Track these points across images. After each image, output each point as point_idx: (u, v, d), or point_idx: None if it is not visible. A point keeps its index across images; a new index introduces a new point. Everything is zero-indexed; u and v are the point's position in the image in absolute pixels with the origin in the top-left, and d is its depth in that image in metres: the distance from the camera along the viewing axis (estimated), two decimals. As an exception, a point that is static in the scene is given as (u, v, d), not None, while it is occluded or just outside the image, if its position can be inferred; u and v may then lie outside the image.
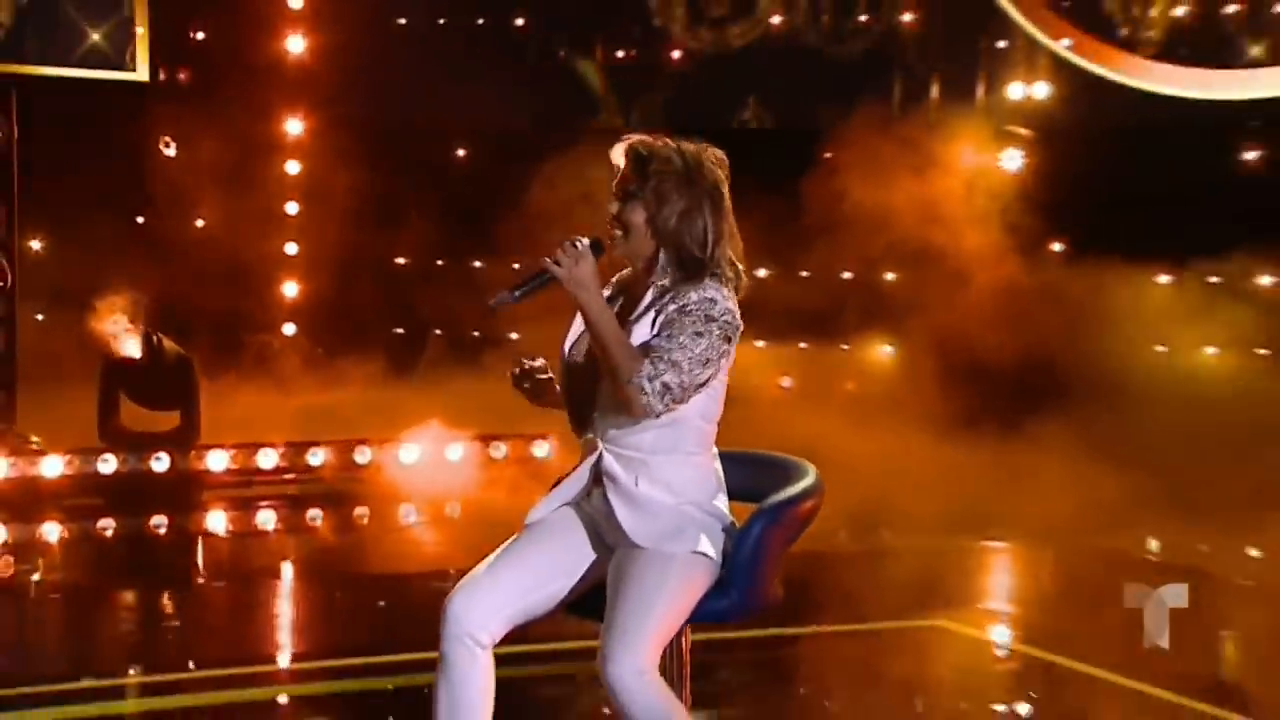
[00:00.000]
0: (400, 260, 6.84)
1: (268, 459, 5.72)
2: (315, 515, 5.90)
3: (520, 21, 6.94)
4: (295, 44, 6.26)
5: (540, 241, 6.78)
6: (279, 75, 6.35)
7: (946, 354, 6.73)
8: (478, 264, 7.12)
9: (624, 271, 2.43)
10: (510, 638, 2.44)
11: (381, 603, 4.63)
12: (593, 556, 2.45)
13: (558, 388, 2.39)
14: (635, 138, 2.32)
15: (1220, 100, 6.86)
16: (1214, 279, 7.11)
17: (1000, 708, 3.91)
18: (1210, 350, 7.17)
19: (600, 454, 2.38)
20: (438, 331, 7.10)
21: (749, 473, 2.52)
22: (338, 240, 6.51)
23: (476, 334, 7.03)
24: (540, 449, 6.23)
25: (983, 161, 6.94)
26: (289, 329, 6.59)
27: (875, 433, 6.51)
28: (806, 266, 7.11)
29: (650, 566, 2.32)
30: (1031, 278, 6.93)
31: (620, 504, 2.36)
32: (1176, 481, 5.89)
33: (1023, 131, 7.00)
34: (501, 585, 2.38)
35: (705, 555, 2.35)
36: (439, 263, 7.03)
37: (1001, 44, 7.06)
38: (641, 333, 2.24)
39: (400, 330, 7.01)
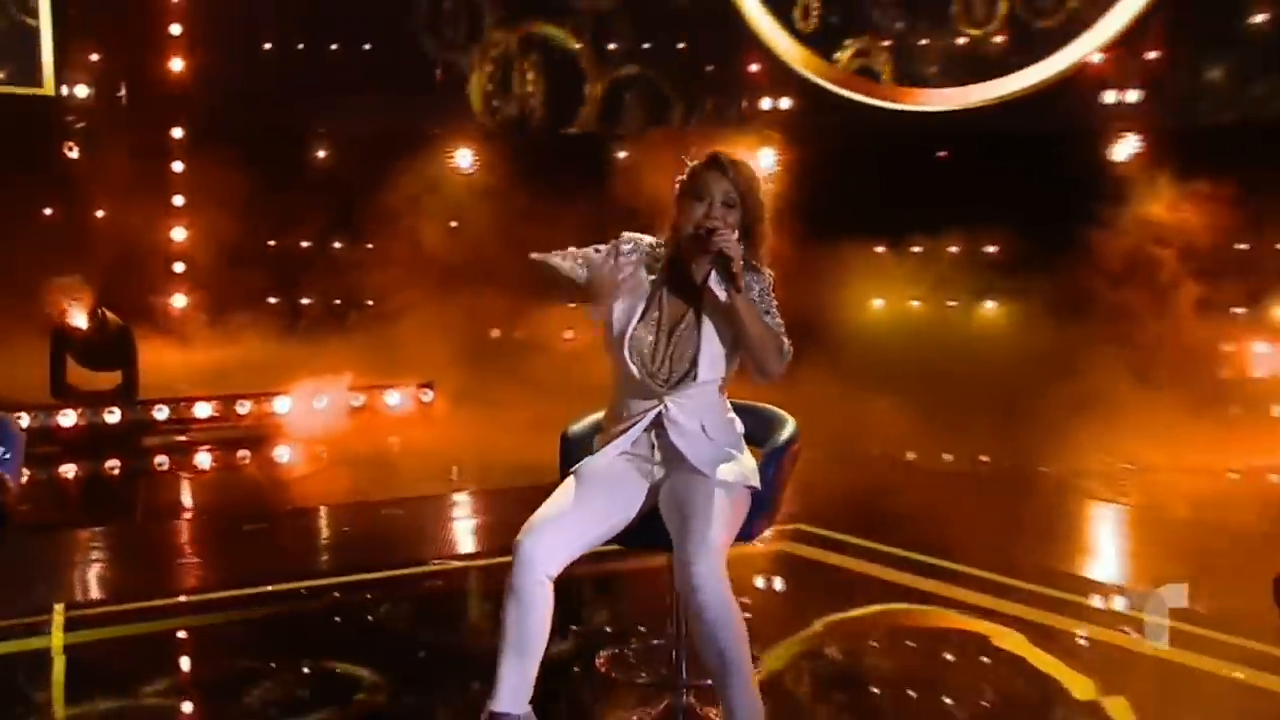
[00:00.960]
0: (271, 242, 7.48)
1: (203, 409, 6.20)
2: (244, 455, 6.24)
3: (367, 46, 7.67)
4: (177, 64, 6.89)
5: (393, 227, 7.62)
6: (164, 90, 6.95)
7: None
8: (337, 245, 7.85)
9: (630, 241, 2.71)
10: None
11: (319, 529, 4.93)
12: (642, 496, 2.66)
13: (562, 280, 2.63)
14: (727, 154, 2.62)
15: (922, 113, 7.90)
16: (916, 249, 7.97)
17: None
18: (914, 303, 8.20)
19: (659, 407, 2.62)
20: (306, 300, 7.75)
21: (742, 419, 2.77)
22: (216, 227, 7.11)
23: (338, 302, 7.81)
24: (426, 396, 6.76)
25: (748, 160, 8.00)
26: (179, 300, 7.16)
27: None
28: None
29: (714, 492, 2.57)
30: (788, 252, 8.02)
31: (685, 443, 2.60)
32: (907, 401, 6.64)
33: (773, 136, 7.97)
34: (565, 527, 2.56)
35: (752, 487, 2.67)
36: (304, 244, 7.72)
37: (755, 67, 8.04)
38: (721, 294, 2.58)
39: (273, 300, 7.62)
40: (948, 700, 3.31)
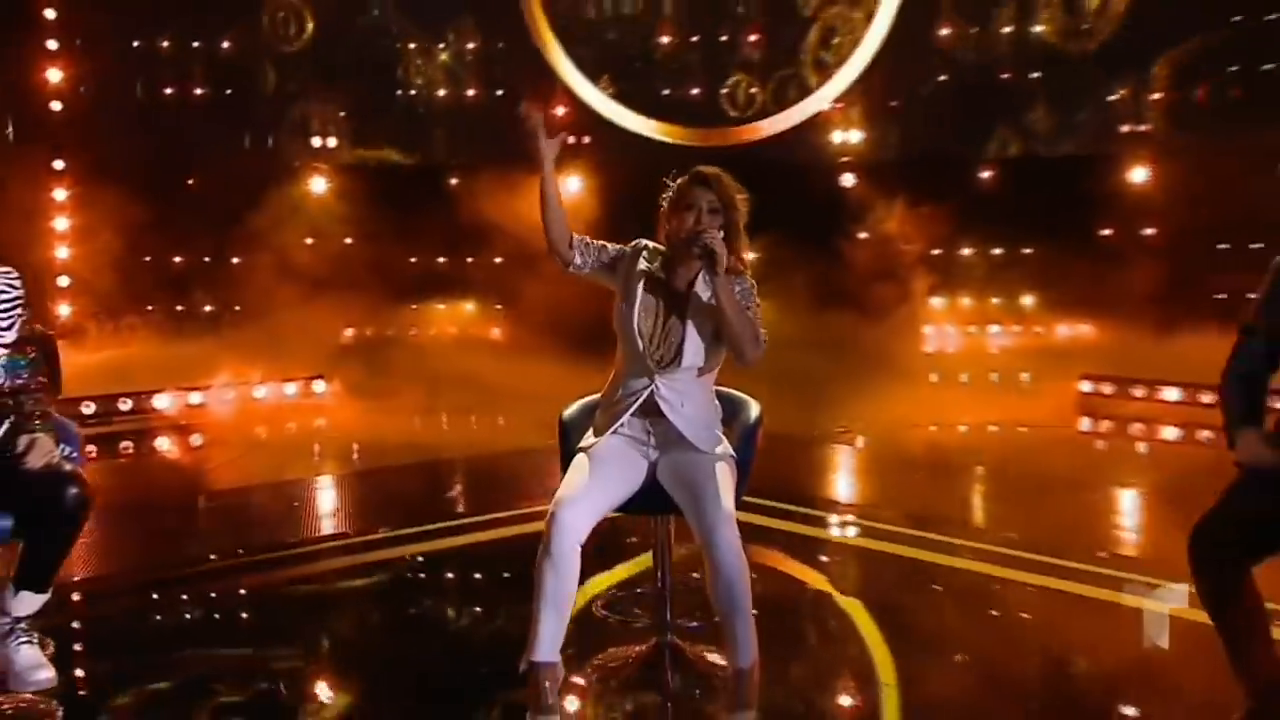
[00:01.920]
0: (146, 258, 7.97)
1: (125, 404, 6.59)
2: (163, 444, 6.49)
3: (229, 91, 8.34)
4: (56, 105, 7.41)
5: (252, 244, 8.30)
6: (47, 127, 7.41)
7: (537, 311, 8.14)
8: (206, 259, 8.37)
9: (649, 245, 2.86)
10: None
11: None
12: (643, 473, 2.82)
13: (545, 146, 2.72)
14: (712, 169, 2.78)
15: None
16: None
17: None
18: None
19: (651, 389, 2.77)
20: (180, 308, 8.20)
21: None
22: (97, 246, 7.56)
23: (209, 308, 8.35)
24: (319, 387, 7.29)
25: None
26: (64, 310, 7.60)
27: (510, 364, 7.86)
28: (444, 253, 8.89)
29: (715, 465, 2.76)
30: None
31: (681, 422, 2.78)
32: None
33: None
34: (589, 499, 2.71)
35: (733, 457, 2.83)
36: (176, 259, 8.22)
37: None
38: (705, 295, 2.75)
39: (150, 307, 8.08)
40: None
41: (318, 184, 8.57)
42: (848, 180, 8.39)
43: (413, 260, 8.69)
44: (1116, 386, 7.20)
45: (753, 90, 8.54)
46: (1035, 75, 8.24)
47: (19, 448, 2.71)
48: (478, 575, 4.30)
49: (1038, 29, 8.18)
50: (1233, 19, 7.68)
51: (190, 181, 8.31)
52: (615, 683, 3.15)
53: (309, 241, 8.36)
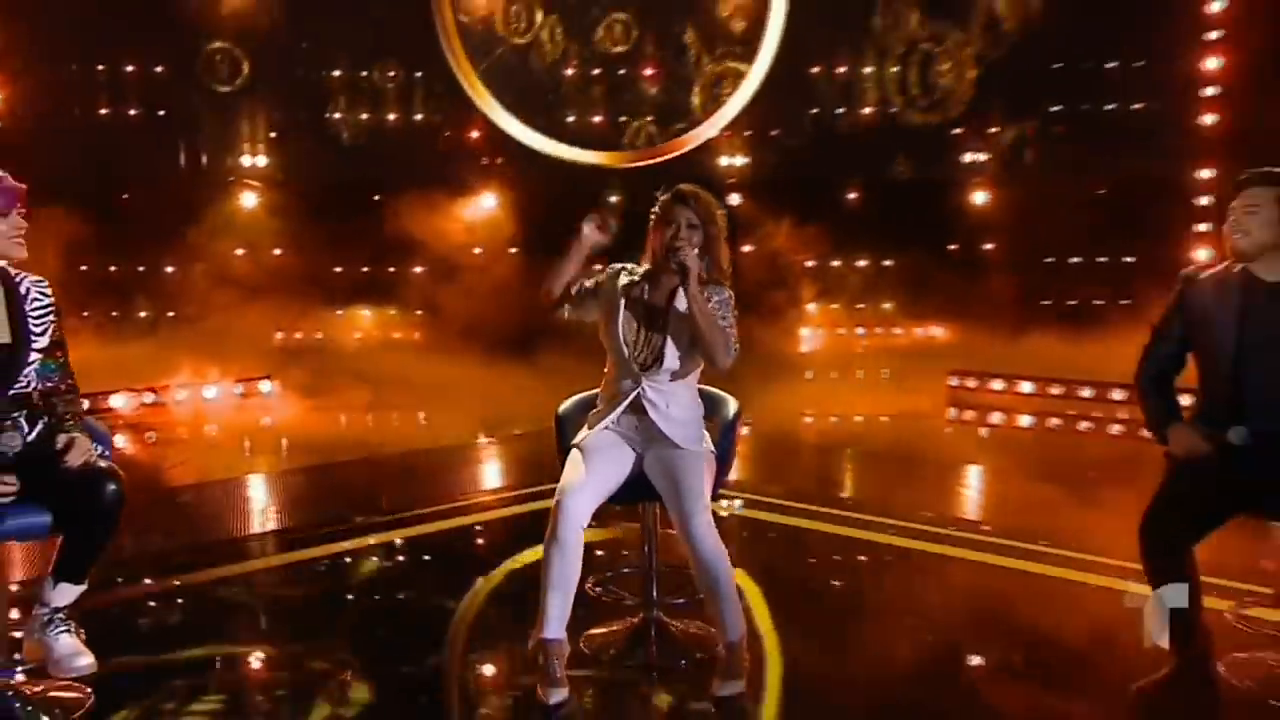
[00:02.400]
0: (84, 267, 8.20)
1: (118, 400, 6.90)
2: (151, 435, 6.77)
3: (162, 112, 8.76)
4: None
5: (186, 255, 8.71)
6: None
7: (457, 314, 8.60)
8: (112, 268, 8.67)
9: (627, 266, 3.02)
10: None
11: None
12: (630, 465, 2.94)
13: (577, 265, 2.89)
14: (690, 187, 2.90)
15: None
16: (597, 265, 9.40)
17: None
18: None
19: (638, 391, 2.90)
20: (85, 314, 8.23)
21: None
22: (30, 259, 7.81)
23: (144, 314, 8.64)
24: (265, 386, 7.56)
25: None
26: None
27: (432, 364, 8.13)
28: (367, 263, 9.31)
29: (692, 459, 2.87)
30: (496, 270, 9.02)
31: (663, 422, 2.89)
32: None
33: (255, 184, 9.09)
34: (589, 489, 2.83)
35: (713, 452, 2.95)
36: (83, 268, 8.27)
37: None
38: (681, 307, 2.85)
39: (86, 314, 8.25)
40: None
41: (248, 199, 8.99)
42: (734, 199, 9.11)
43: (338, 270, 9.16)
44: (979, 380, 7.91)
45: (649, 120, 9.32)
46: (893, 110, 9.22)
47: (58, 446, 2.76)
48: (461, 556, 4.50)
49: (893, 70, 9.15)
50: (1054, 65, 8.90)
51: (125, 197, 8.61)
52: (609, 655, 3.26)
53: (240, 252, 8.83)
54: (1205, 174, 8.31)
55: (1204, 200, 8.32)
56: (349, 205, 8.93)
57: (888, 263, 9.45)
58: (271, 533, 4.73)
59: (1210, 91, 8.35)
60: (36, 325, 2.81)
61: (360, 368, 8.02)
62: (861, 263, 9.57)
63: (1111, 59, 9.00)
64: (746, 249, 9.17)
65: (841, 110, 9.35)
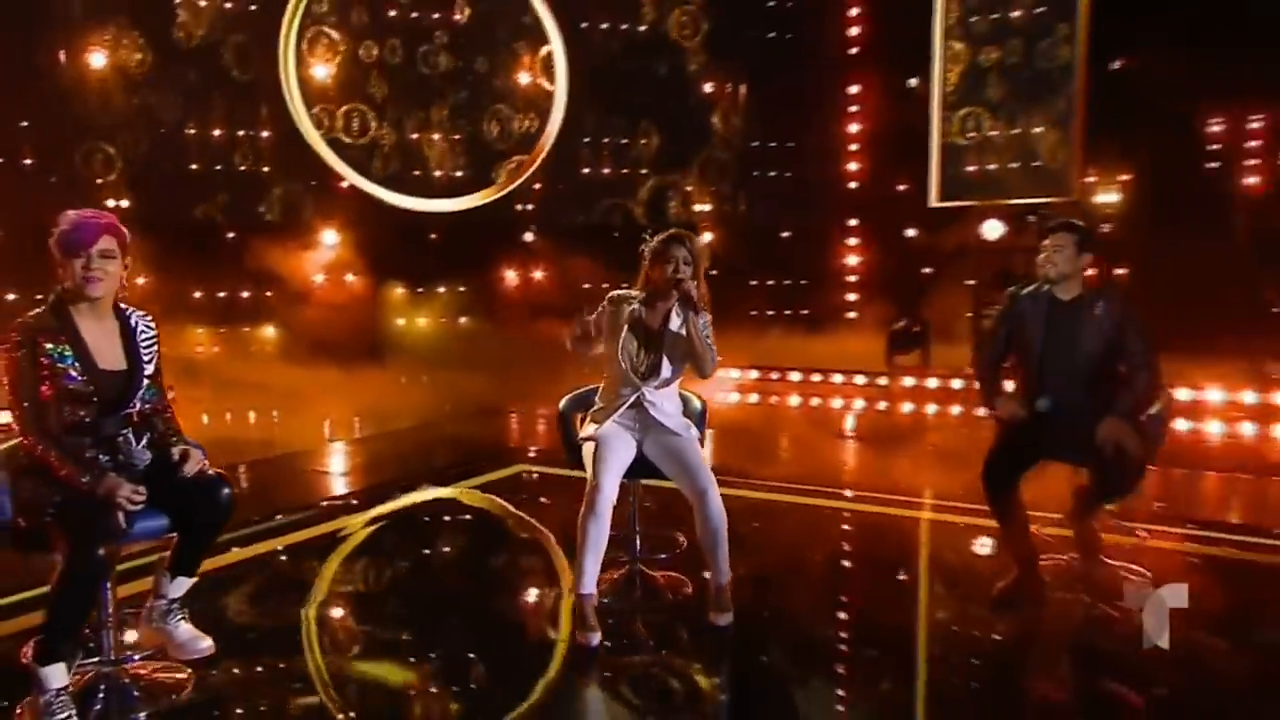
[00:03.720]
0: None
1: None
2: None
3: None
4: None
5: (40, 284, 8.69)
6: None
7: (304, 330, 9.15)
8: (38, 296, 8.76)
9: (628, 292, 3.24)
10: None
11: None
12: (634, 448, 3.20)
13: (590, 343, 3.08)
14: (684, 231, 3.18)
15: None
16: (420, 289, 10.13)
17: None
18: (421, 321, 10.24)
19: (641, 393, 3.16)
20: None
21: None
22: None
23: None
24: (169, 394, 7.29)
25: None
26: None
27: (284, 373, 8.33)
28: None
29: (689, 444, 3.19)
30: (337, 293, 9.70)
31: (661, 416, 3.18)
32: (457, 377, 8.15)
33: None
34: (615, 471, 3.09)
35: (699, 437, 3.27)
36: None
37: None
38: (675, 326, 3.14)
39: None
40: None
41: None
42: (528, 236, 10.58)
43: (197, 295, 9.73)
44: (761, 372, 8.78)
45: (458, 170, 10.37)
46: (644, 172, 10.80)
47: (175, 458, 2.81)
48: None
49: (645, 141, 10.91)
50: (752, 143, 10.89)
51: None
52: (605, 599, 3.38)
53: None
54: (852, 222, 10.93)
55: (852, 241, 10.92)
56: (207, 239, 9.43)
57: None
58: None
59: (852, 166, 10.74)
60: (145, 354, 2.86)
61: (222, 377, 8.23)
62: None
63: (787, 139, 11.09)
64: (539, 275, 10.69)
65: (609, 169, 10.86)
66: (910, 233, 10.37)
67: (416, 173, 10.30)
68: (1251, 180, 8.63)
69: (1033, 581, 3.59)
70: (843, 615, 3.67)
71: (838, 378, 8.56)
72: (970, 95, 9.59)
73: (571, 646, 3.15)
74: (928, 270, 10.14)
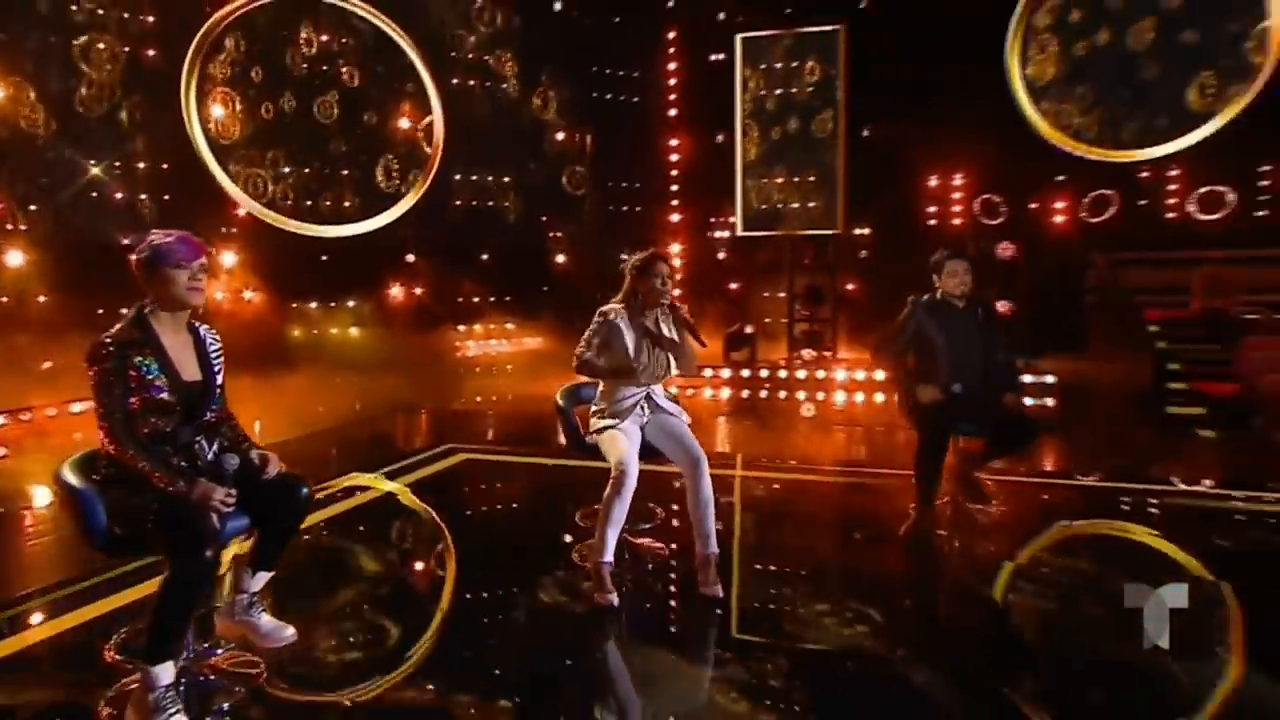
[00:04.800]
0: None
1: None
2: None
3: None
4: None
5: None
6: None
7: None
8: None
9: (615, 306, 3.42)
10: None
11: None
12: (640, 436, 3.41)
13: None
14: (664, 251, 3.48)
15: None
16: (315, 304, 10.96)
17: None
18: (315, 331, 11.07)
19: (648, 390, 3.39)
20: None
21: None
22: None
23: None
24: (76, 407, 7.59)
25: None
26: None
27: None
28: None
29: (683, 425, 3.45)
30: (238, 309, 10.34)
31: (664, 403, 3.43)
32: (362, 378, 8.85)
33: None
34: (635, 456, 3.27)
35: (688, 420, 3.49)
36: None
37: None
38: (666, 331, 3.43)
39: None
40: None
41: (14, 257, 9.46)
42: (410, 258, 11.59)
43: (100, 311, 9.52)
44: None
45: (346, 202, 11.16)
46: (507, 204, 12.15)
47: (256, 461, 2.79)
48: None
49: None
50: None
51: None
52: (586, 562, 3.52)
53: (3, 300, 9.31)
54: (675, 247, 12.85)
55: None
56: (93, 261, 9.25)
57: (508, 298, 12.36)
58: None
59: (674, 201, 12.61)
60: (215, 365, 2.80)
61: None
62: (491, 298, 12.33)
63: (623, 180, 12.81)
64: (418, 291, 11.67)
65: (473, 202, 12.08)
66: (721, 255, 12.29)
67: (308, 203, 10.87)
68: (956, 220, 11.37)
69: (930, 522, 4.21)
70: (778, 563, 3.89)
71: (708, 372, 9.83)
72: (765, 152, 11.72)
73: (592, 606, 3.27)
74: (734, 285, 12.09)
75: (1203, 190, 10.36)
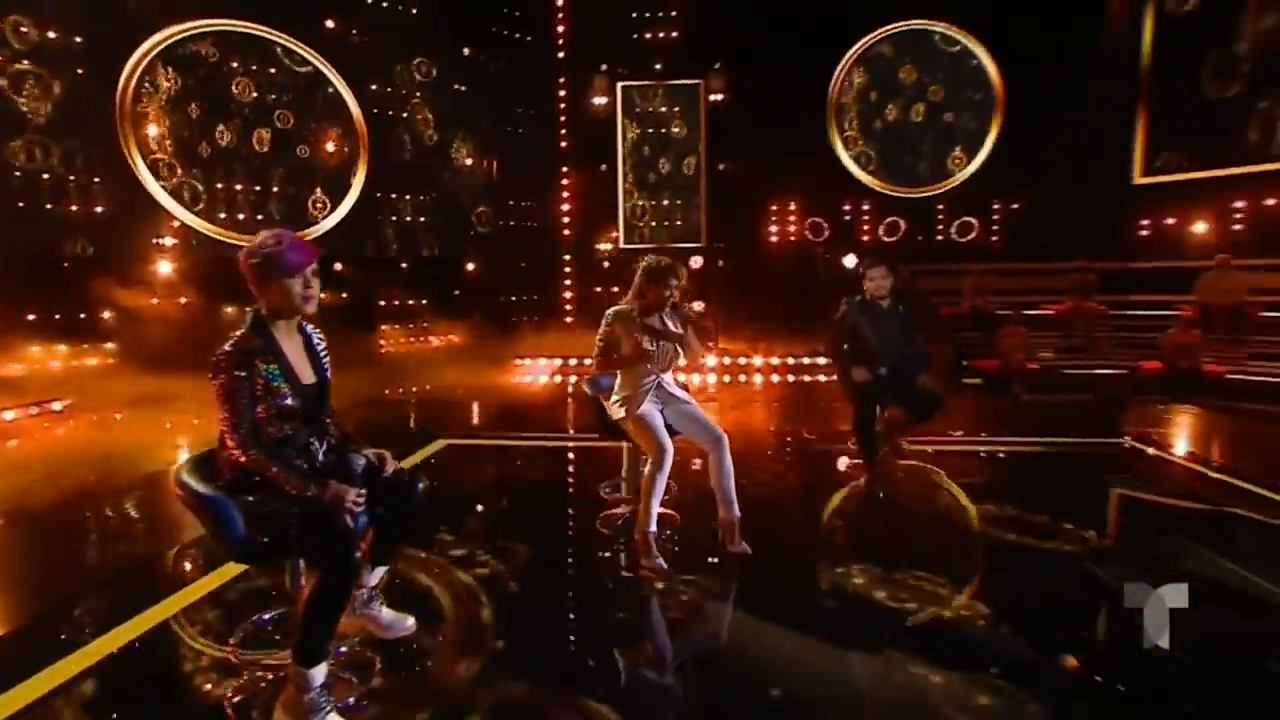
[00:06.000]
0: None
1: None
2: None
3: None
4: None
5: None
6: None
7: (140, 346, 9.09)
8: None
9: (625, 307, 3.44)
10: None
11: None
12: (662, 418, 3.44)
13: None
14: (669, 259, 3.40)
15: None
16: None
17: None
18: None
19: (659, 377, 3.42)
20: None
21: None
22: None
23: None
24: (57, 406, 7.32)
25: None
26: None
27: (123, 383, 8.14)
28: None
29: (697, 407, 3.49)
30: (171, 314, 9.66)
31: (674, 390, 3.47)
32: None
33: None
34: (667, 435, 3.34)
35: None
36: None
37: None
38: (674, 327, 3.46)
39: None
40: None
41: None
42: (337, 266, 11.75)
43: (31, 317, 9.43)
44: (548, 359, 10.21)
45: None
46: (422, 219, 12.79)
47: (374, 460, 2.65)
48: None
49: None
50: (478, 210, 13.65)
51: None
52: (615, 530, 3.66)
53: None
54: (566, 256, 13.95)
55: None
56: (25, 274, 9.18)
57: (424, 300, 12.89)
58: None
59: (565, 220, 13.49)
60: (326, 365, 2.65)
61: (60, 390, 7.91)
62: (422, 301, 12.73)
63: (524, 201, 13.55)
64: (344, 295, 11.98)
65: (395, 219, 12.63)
66: (606, 264, 13.71)
67: (241, 216, 10.91)
68: (791, 238, 13.60)
69: (878, 480, 4.54)
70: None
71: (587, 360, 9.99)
72: (640, 184, 13.34)
73: (639, 573, 3.29)
74: (616, 289, 13.50)
75: (959, 220, 13.23)
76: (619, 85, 13.09)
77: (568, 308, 13.66)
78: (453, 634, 2.90)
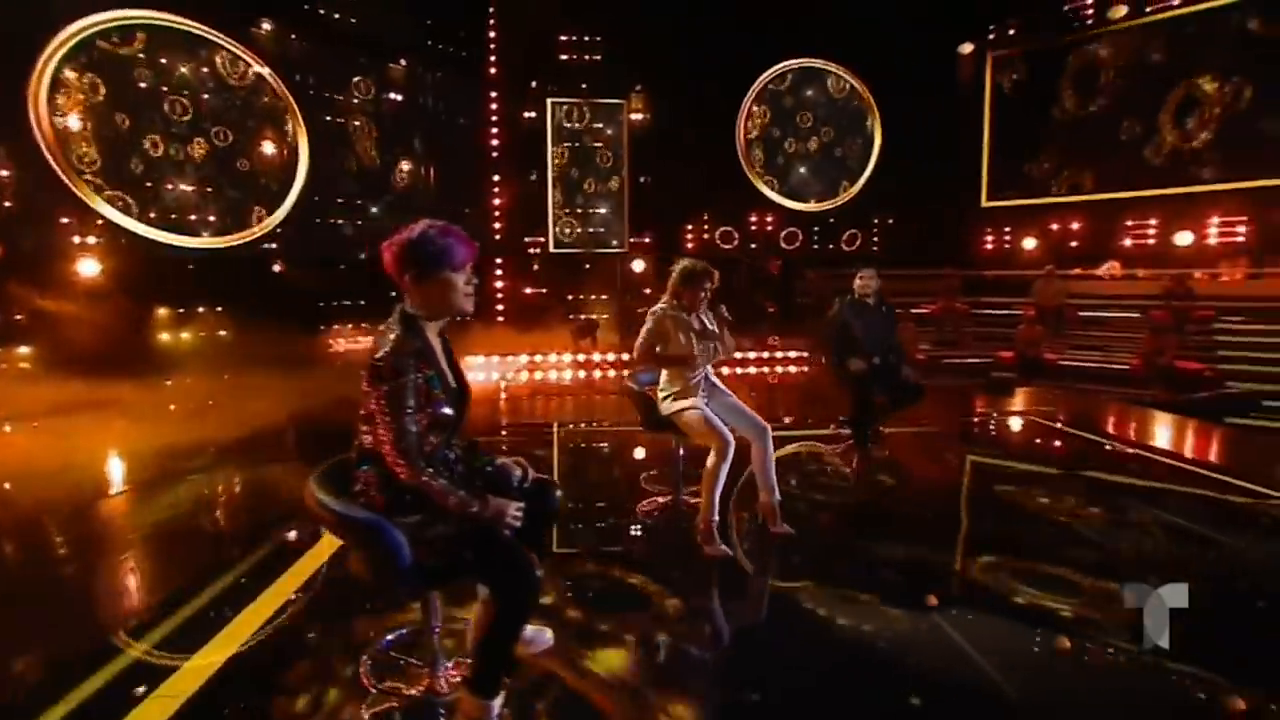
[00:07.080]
0: None
1: None
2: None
3: None
4: None
5: None
6: None
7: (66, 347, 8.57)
8: None
9: (666, 306, 3.45)
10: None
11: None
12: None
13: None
14: (709, 265, 3.43)
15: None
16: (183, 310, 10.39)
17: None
18: (185, 335, 10.55)
19: (704, 373, 3.43)
20: None
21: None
22: None
23: None
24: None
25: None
26: None
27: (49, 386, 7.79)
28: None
29: (738, 400, 3.48)
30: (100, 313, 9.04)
31: (720, 385, 3.47)
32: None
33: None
34: (726, 429, 3.33)
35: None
36: None
37: None
38: (711, 326, 3.47)
39: None
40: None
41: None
42: (277, 267, 11.43)
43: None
44: (501, 357, 10.33)
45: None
46: (359, 223, 12.51)
47: (516, 470, 2.41)
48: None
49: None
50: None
51: None
52: (654, 520, 3.63)
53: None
54: (498, 259, 14.08)
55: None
56: None
57: (362, 302, 12.35)
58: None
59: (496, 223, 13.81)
60: (463, 372, 2.33)
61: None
62: (362, 301, 12.39)
63: (461, 206, 13.41)
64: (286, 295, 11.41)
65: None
66: (535, 267, 13.86)
67: (173, 216, 10.38)
68: (725, 247, 14.27)
69: (869, 458, 4.74)
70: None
71: (552, 357, 10.82)
72: (568, 195, 13.61)
73: (702, 557, 3.26)
74: (544, 290, 13.74)
75: (846, 232, 14.40)
76: (548, 101, 13.28)
77: (499, 309, 13.78)
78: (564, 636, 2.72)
